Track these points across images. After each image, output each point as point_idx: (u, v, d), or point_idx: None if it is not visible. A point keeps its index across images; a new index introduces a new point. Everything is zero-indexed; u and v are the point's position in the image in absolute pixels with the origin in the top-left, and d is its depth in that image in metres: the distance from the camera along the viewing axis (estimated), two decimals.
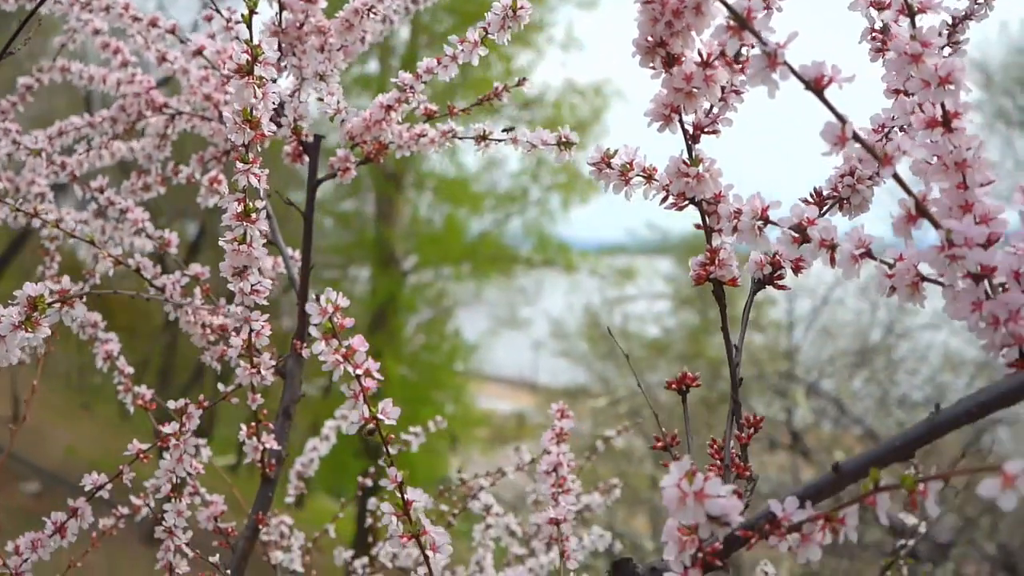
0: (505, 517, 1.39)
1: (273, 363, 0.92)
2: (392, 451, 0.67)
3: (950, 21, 0.73)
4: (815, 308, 7.21)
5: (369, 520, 1.38)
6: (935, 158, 0.55)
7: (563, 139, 0.84)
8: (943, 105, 0.55)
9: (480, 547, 1.29)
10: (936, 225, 0.52)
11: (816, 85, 0.52)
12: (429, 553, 0.66)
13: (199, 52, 1.06)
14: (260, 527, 1.01)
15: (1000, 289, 0.53)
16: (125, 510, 1.14)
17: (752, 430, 0.65)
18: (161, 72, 1.18)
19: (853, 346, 7.27)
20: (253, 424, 0.98)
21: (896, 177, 0.52)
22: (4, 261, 7.49)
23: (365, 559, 1.40)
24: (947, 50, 0.73)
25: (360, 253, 11.97)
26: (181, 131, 1.24)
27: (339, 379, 0.63)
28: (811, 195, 0.71)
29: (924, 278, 0.56)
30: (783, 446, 6.19)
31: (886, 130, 0.70)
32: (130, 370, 1.12)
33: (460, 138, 0.99)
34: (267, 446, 0.99)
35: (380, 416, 0.64)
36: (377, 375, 0.64)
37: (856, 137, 0.51)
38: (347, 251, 11.95)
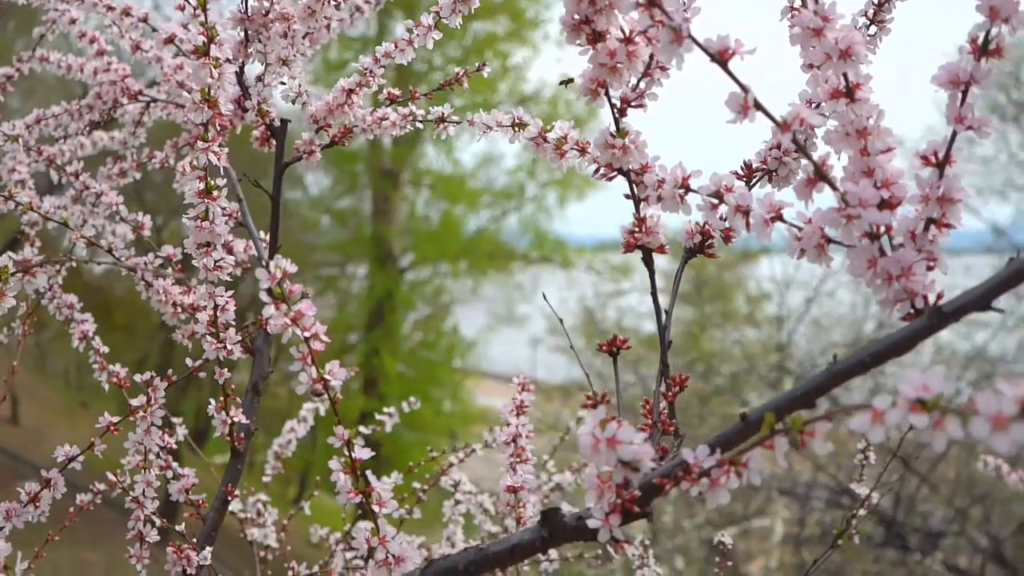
0: (479, 496, 1.43)
1: (239, 338, 0.95)
2: (335, 410, 0.70)
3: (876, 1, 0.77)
4: (807, 300, 7.25)
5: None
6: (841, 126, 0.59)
7: (516, 121, 0.87)
8: (845, 76, 0.58)
9: (451, 523, 1.32)
10: (834, 188, 0.56)
11: (721, 57, 0.55)
12: (375, 508, 0.69)
13: (170, 40, 1.09)
14: (229, 498, 1.04)
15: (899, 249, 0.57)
16: (102, 486, 1.17)
17: (678, 388, 0.69)
18: (135, 57, 1.21)
19: (846, 339, 7.30)
20: (222, 399, 1.01)
21: (796, 143, 0.56)
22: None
23: (338, 534, 1.44)
24: (873, 28, 0.77)
25: (357, 250, 12.01)
26: (157, 118, 1.27)
27: (288, 341, 0.67)
28: (741, 167, 0.74)
29: (829, 239, 0.59)
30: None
31: (813, 105, 0.74)
32: (105, 349, 1.15)
33: (421, 121, 1.03)
34: (235, 420, 1.02)
35: (328, 377, 0.68)
36: (324, 338, 0.68)
37: (757, 105, 0.55)
38: (344, 248, 11.99)
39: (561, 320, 1.07)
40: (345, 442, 0.69)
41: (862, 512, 1.11)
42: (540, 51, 11.53)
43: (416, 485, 1.33)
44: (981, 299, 0.51)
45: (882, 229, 0.56)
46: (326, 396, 0.69)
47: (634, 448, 0.54)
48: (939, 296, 0.55)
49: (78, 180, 1.18)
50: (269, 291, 0.66)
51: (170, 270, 1.09)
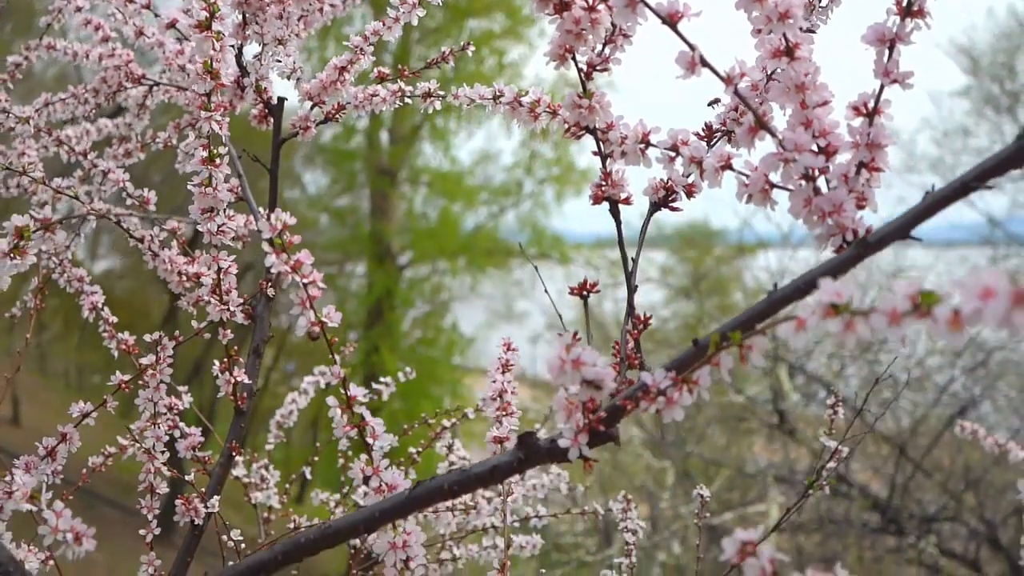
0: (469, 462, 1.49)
1: (241, 300, 1.02)
2: (335, 355, 0.76)
3: None
4: None
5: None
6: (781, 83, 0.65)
7: (496, 94, 0.94)
8: (785, 37, 0.64)
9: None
10: (772, 134, 0.62)
11: (671, 19, 0.62)
12: (370, 440, 0.76)
13: (172, 25, 1.15)
14: (234, 454, 1.10)
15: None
16: (113, 449, 1.24)
17: (643, 326, 0.75)
18: (138, 43, 1.27)
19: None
20: (225, 360, 1.08)
21: (738, 94, 0.62)
22: None
23: (338, 496, 1.50)
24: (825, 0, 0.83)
25: (356, 249, 12.07)
26: (159, 101, 1.34)
27: (288, 287, 0.73)
28: (702, 128, 0.81)
29: (772, 184, 0.66)
30: (770, 425, 6.29)
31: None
32: (114, 319, 1.21)
33: (409, 96, 1.09)
34: (239, 380, 1.08)
35: (324, 319, 0.74)
36: (321, 285, 0.74)
37: (704, 62, 0.61)
38: (343, 247, 12.04)
39: (560, 315, 1.13)
40: (341, 380, 0.76)
41: (831, 464, 1.18)
42: (536, 48, 11.60)
43: (412, 449, 1.40)
44: (900, 230, 0.58)
45: (816, 172, 0.62)
46: (323, 337, 0.75)
47: (596, 369, 0.61)
48: (868, 231, 0.62)
49: (86, 159, 1.24)
50: (270, 241, 0.73)
51: (175, 242, 1.16)
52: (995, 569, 6.07)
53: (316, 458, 1.55)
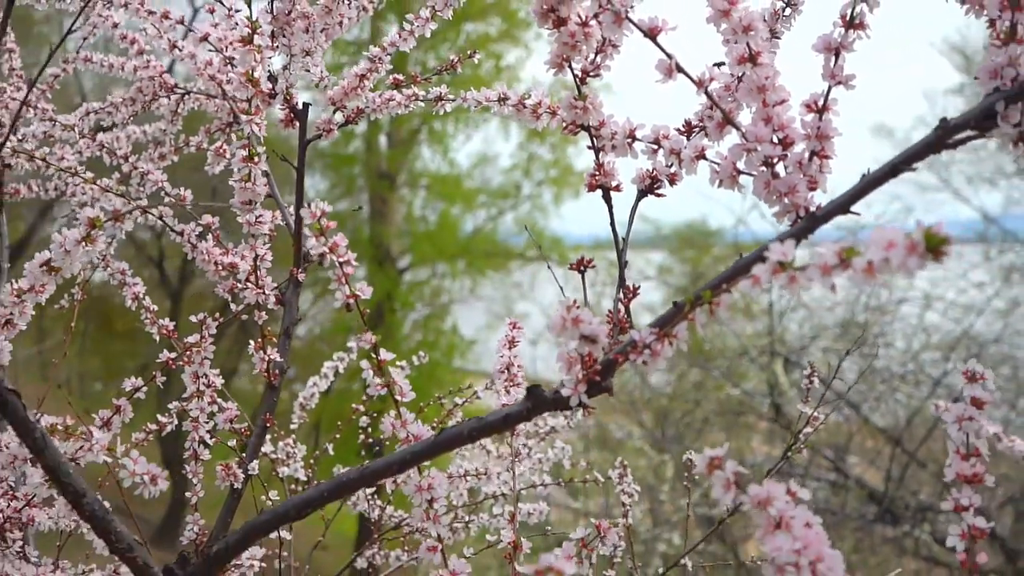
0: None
1: (275, 285, 1.14)
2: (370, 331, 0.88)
3: None
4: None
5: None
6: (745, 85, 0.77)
7: (502, 97, 1.06)
8: (749, 46, 0.76)
9: (457, 456, 1.51)
10: (737, 128, 0.74)
11: (651, 33, 0.74)
12: (398, 397, 0.88)
13: (205, 38, 1.27)
14: (268, 425, 1.22)
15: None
16: (153, 426, 1.35)
17: (632, 295, 0.87)
18: (169, 57, 1.39)
19: (839, 320, 7.51)
20: (260, 340, 1.19)
21: (708, 95, 0.74)
22: (26, 239, 7.81)
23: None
24: (788, 10, 0.95)
25: (356, 252, 12.10)
26: (190, 108, 1.46)
27: (327, 265, 0.85)
28: (683, 124, 0.92)
29: (739, 171, 0.78)
30: (766, 418, 6.41)
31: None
32: (155, 308, 1.33)
33: (422, 100, 1.21)
34: (272, 358, 1.20)
35: (358, 292, 0.86)
36: (354, 263, 0.86)
37: (679, 68, 0.73)
38: None
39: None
40: (372, 345, 0.88)
41: (808, 430, 1.29)
42: (533, 51, 11.73)
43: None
44: (842, 206, 0.70)
45: (775, 159, 0.74)
46: (356, 309, 0.87)
47: (592, 326, 0.73)
48: (818, 208, 0.73)
49: (127, 162, 1.36)
50: (311, 225, 0.85)
51: (210, 235, 1.28)
52: (989, 556, 6.18)
53: (337, 435, 1.67)
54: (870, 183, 0.69)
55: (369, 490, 1.62)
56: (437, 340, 12.42)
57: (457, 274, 12.82)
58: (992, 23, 0.69)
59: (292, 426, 1.63)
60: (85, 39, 1.57)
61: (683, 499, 6.47)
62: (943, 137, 0.67)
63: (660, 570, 1.77)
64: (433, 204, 12.93)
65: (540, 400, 0.80)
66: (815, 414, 1.31)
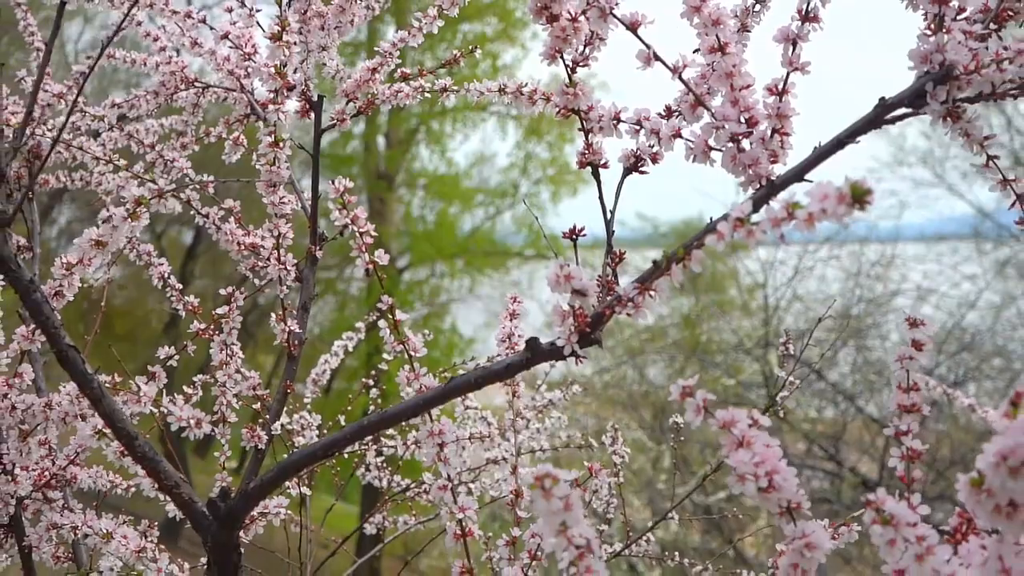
0: (483, 411, 1.72)
1: (296, 261, 1.25)
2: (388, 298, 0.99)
3: None
4: (789, 280, 7.56)
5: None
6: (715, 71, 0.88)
7: (502, 87, 1.17)
8: (718, 37, 0.87)
9: (460, 423, 1.62)
10: (707, 109, 0.85)
11: (632, 26, 0.85)
12: (412, 353, 0.99)
13: (226, 36, 1.38)
14: (288, 391, 1.33)
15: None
16: (189, 389, 1.46)
17: (619, 260, 0.98)
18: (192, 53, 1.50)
19: (835, 311, 7.63)
20: (280, 312, 1.30)
21: (682, 80, 0.85)
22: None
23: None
24: (758, 6, 1.06)
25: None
26: (209, 101, 1.56)
27: (347, 236, 0.96)
28: (664, 108, 1.03)
29: (711, 147, 0.88)
30: (762, 410, 6.52)
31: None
32: (179, 286, 1.44)
33: (428, 92, 1.32)
34: (291, 329, 1.31)
35: (377, 259, 0.97)
36: (374, 233, 0.97)
37: (656, 57, 0.84)
38: (342, 251, 12.24)
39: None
40: (389, 307, 0.98)
41: (784, 393, 1.40)
42: (529, 50, 11.85)
43: None
44: (796, 176, 0.81)
45: (741, 136, 0.85)
46: (375, 275, 0.98)
47: (583, 281, 0.84)
48: (778, 178, 0.84)
49: (153, 151, 1.47)
50: (334, 199, 0.96)
51: (232, 218, 1.38)
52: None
53: (350, 407, 1.78)
54: (821, 155, 0.80)
55: (378, 459, 1.73)
56: (436, 339, 12.51)
57: (456, 273, 12.93)
58: (926, 15, 0.80)
59: (306, 400, 1.74)
60: (111, 38, 1.68)
61: (679, 485, 6.59)
62: (881, 114, 0.78)
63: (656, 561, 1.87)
64: (431, 204, 13.05)
65: (538, 350, 0.91)
66: (791, 380, 1.41)
